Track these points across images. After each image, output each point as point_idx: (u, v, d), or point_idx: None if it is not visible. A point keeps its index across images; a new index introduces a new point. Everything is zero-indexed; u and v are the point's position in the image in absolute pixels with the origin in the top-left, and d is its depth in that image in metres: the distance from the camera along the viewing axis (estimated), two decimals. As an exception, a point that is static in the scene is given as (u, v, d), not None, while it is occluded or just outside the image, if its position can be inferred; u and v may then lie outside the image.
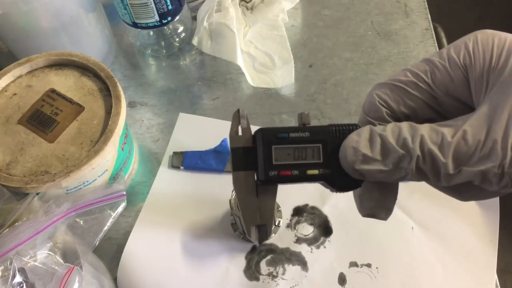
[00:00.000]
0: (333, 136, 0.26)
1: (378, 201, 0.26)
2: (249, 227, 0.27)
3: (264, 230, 0.27)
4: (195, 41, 0.59)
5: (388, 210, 0.26)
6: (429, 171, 0.22)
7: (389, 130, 0.23)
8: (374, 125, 0.25)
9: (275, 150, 0.26)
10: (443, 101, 0.25)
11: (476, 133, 0.21)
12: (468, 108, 0.24)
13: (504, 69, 0.22)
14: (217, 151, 0.51)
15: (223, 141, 0.52)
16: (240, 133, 0.27)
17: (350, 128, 0.26)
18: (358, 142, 0.24)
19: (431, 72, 0.25)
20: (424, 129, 0.23)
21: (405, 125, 0.23)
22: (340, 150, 0.25)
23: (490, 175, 0.21)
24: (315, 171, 0.25)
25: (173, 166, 0.51)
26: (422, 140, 0.22)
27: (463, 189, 0.25)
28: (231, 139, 0.27)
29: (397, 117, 0.26)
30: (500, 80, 0.22)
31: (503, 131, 0.21)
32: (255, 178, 0.27)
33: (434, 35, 0.60)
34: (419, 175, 0.23)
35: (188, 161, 0.51)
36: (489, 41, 0.23)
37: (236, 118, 0.28)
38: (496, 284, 0.43)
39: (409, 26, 0.61)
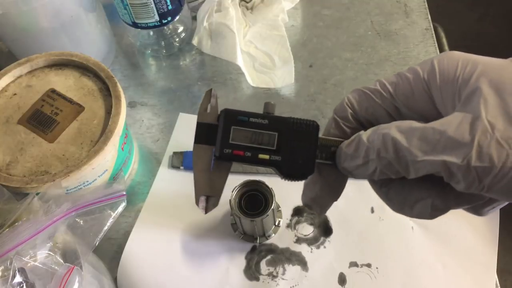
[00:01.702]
0: (290, 128, 0.28)
1: (316, 195, 0.28)
2: (198, 196, 0.29)
3: (212, 201, 0.29)
4: (195, 41, 0.59)
5: (322, 208, 0.28)
6: (393, 159, 0.23)
7: (369, 129, 0.25)
8: (338, 123, 0.28)
9: (234, 130, 0.28)
10: (403, 112, 0.26)
11: (444, 124, 0.22)
12: (426, 121, 0.24)
13: (470, 78, 0.23)
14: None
15: None
16: (208, 110, 0.29)
17: (307, 123, 0.28)
18: (345, 143, 0.26)
19: (396, 83, 0.26)
20: (394, 123, 0.24)
21: (383, 124, 0.24)
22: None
23: (455, 167, 0.22)
24: (266, 156, 0.27)
25: (173, 166, 0.51)
26: (387, 131, 0.23)
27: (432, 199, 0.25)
28: (199, 114, 0.29)
29: (360, 121, 0.27)
30: (466, 90, 0.23)
31: (469, 125, 0.22)
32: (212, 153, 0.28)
33: (434, 35, 0.60)
34: (385, 166, 0.23)
35: (188, 161, 0.51)
36: (455, 58, 0.24)
37: (208, 96, 0.29)
38: (496, 284, 0.43)
39: (409, 26, 0.61)
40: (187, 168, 0.51)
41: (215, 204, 0.29)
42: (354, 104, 0.27)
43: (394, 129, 0.23)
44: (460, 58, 0.24)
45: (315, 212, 0.28)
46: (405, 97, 0.26)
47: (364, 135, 0.25)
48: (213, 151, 0.29)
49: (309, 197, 0.28)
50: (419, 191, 0.25)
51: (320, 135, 0.28)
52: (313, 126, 0.28)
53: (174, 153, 0.52)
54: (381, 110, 0.26)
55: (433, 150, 0.22)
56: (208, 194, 0.29)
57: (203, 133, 0.30)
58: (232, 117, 0.28)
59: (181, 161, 0.51)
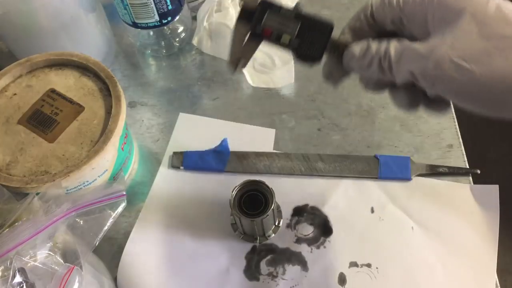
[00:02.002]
0: (310, 22, 0.35)
1: (329, 72, 0.37)
2: (231, 57, 0.37)
3: (242, 63, 0.37)
4: (195, 41, 0.59)
5: (335, 83, 0.38)
6: (386, 68, 0.31)
7: (376, 41, 0.32)
8: (360, 14, 0.34)
9: (267, 15, 0.35)
10: (405, 25, 0.33)
11: (422, 44, 0.30)
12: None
13: (457, 7, 0.29)
14: (217, 151, 0.51)
15: (223, 141, 0.52)
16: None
17: (325, 21, 0.35)
18: (355, 48, 0.33)
19: (407, 2, 0.32)
20: (394, 42, 0.31)
21: (387, 40, 0.32)
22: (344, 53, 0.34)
23: (418, 75, 0.30)
24: (288, 38, 0.35)
25: (173, 166, 0.52)
26: (388, 48, 0.31)
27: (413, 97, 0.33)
28: (245, 2, 0.36)
29: (373, 18, 0.34)
30: (451, 16, 0.29)
31: (437, 43, 0.29)
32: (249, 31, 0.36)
33: (434, 35, 0.60)
34: (381, 71, 0.32)
35: (188, 161, 0.51)
36: None
37: None
38: (496, 284, 0.43)
39: (409, 26, 0.61)
40: (187, 168, 0.51)
41: (244, 65, 0.38)
42: (373, 6, 0.34)
43: (392, 47, 0.31)
44: None
45: (331, 84, 0.38)
46: (409, 15, 0.32)
47: (373, 45, 0.32)
48: (250, 27, 0.36)
49: (324, 72, 0.37)
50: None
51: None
52: (328, 24, 0.35)
53: (174, 153, 0.52)
54: (388, 19, 0.33)
55: (407, 63, 0.30)
56: (239, 57, 0.37)
57: (245, 14, 0.36)
58: (268, 5, 0.36)
59: (181, 161, 0.51)
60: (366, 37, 0.34)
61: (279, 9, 0.36)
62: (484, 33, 0.28)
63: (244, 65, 0.38)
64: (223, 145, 0.52)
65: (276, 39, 0.36)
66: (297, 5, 0.37)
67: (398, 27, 0.33)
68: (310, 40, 0.36)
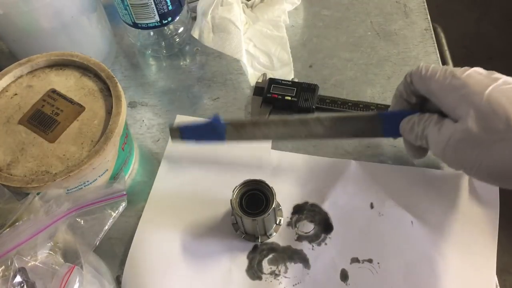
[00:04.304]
0: (303, 87, 0.55)
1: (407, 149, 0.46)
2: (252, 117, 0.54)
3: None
4: (195, 34, 0.58)
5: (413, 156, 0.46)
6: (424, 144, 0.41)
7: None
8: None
9: (273, 87, 0.55)
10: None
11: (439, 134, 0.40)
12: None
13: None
14: (212, 125, 0.47)
15: (214, 115, 0.47)
16: (261, 80, 0.56)
17: (312, 85, 0.55)
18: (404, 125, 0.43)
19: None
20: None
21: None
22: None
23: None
24: (289, 97, 0.54)
25: (173, 138, 0.48)
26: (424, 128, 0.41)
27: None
28: (256, 83, 0.56)
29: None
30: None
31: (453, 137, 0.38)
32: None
33: (433, 35, 0.60)
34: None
35: (187, 134, 0.48)
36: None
37: (264, 76, 0.57)
38: (495, 284, 0.43)
39: (408, 26, 0.61)
40: (187, 139, 0.48)
41: None
42: (412, 74, 0.42)
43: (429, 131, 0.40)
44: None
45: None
46: (434, 93, 0.40)
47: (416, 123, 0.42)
48: (263, 96, 0.54)
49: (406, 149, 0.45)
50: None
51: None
52: (315, 85, 0.55)
53: (171, 129, 0.48)
54: (421, 89, 0.42)
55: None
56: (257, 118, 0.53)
57: (258, 90, 0.55)
58: (273, 80, 0.55)
59: (179, 134, 0.47)
60: (406, 99, 0.43)
61: (281, 81, 0.55)
62: (482, 128, 0.35)
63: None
64: (214, 118, 0.47)
65: (281, 99, 0.53)
66: (292, 79, 0.56)
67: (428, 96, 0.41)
68: (304, 98, 0.53)
